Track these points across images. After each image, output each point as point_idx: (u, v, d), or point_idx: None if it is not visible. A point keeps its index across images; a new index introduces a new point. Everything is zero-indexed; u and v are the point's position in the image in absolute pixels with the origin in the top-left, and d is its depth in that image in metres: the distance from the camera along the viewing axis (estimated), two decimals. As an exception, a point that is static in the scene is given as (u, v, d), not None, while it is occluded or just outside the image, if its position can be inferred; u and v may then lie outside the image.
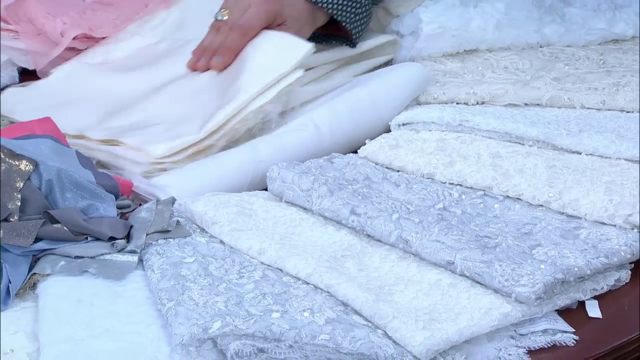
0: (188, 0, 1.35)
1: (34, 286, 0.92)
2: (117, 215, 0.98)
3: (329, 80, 1.19)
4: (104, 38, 1.31)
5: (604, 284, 0.93)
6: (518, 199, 1.02)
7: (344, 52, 1.24)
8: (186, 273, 0.91)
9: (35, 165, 0.95)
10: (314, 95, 1.17)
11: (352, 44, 1.23)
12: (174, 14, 1.34)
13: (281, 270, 0.93)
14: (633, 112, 1.14)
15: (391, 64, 1.25)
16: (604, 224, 0.97)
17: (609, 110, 1.15)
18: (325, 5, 1.19)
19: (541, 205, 1.00)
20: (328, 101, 1.15)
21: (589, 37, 1.29)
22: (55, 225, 0.94)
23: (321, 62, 1.21)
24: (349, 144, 1.13)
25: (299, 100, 1.16)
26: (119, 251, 0.94)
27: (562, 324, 0.90)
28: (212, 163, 1.07)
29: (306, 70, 1.16)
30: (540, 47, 1.29)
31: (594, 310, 0.92)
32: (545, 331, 0.89)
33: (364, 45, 1.24)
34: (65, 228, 0.94)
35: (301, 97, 1.16)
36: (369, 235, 0.98)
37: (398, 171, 1.08)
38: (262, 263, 0.94)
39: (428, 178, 1.06)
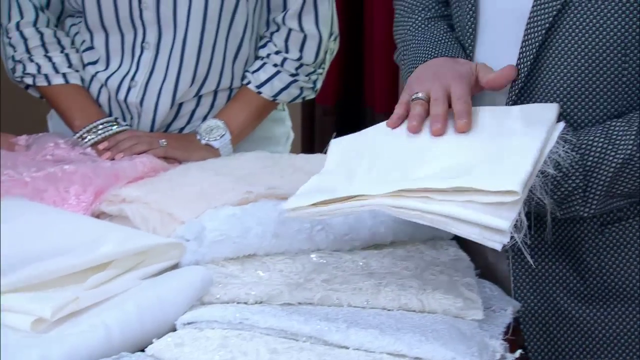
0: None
1: None
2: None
3: (117, 283, 1.24)
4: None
5: None
6: (293, 392, 1.08)
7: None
8: None
9: None
10: (104, 297, 1.21)
11: None
12: None
13: None
14: (393, 310, 1.24)
15: (177, 267, 1.32)
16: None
17: (372, 308, 1.24)
18: None
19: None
20: (118, 303, 1.20)
21: (354, 243, 1.41)
22: None
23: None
24: (137, 342, 1.18)
25: (89, 303, 1.20)
26: None
27: None
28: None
29: (95, 273, 1.22)
30: (312, 252, 1.39)
31: None
32: None
33: (150, 248, 1.30)
34: None
35: (90, 300, 1.20)
36: None
37: (183, 368, 1.13)
38: None
39: (211, 374, 1.11)
